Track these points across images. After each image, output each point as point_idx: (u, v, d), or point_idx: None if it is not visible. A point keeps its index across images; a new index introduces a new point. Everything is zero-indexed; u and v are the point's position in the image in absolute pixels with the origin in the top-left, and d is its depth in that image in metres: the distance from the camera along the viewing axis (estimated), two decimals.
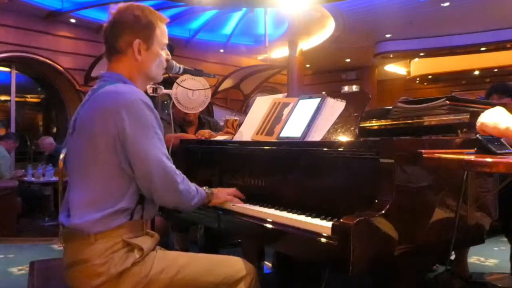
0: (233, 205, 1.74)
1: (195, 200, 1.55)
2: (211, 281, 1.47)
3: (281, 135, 1.86)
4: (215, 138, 2.45)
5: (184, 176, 1.51)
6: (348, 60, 12.25)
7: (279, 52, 10.75)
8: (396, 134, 2.07)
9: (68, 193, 1.47)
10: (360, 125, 1.67)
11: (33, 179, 5.91)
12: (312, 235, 1.34)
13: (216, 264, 1.52)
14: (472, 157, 1.30)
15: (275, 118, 1.98)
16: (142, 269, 1.39)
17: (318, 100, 1.81)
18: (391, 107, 2.14)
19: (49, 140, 6.68)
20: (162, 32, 1.59)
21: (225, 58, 10.90)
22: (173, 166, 1.46)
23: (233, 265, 1.54)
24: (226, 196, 1.76)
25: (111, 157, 1.39)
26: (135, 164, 1.39)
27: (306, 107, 1.85)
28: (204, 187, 1.68)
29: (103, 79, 1.53)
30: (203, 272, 1.48)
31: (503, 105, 2.07)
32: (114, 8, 1.55)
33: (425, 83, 13.08)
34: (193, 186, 1.56)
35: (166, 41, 1.62)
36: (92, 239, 1.36)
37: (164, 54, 1.62)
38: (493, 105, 2.06)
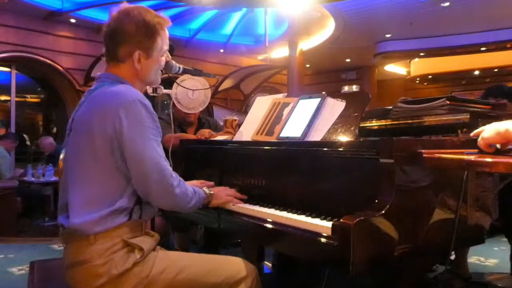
0: (233, 205, 1.73)
1: (192, 203, 1.53)
2: (212, 282, 1.47)
3: (281, 135, 1.86)
4: (215, 138, 2.45)
5: (181, 179, 1.49)
6: (348, 60, 12.24)
7: (279, 52, 10.76)
8: (396, 134, 2.07)
9: (65, 194, 1.46)
10: (360, 125, 1.67)
11: (33, 179, 5.90)
12: (312, 235, 1.34)
13: (217, 265, 1.52)
14: (472, 157, 1.29)
15: (275, 118, 1.97)
16: (142, 269, 1.39)
17: (318, 100, 1.81)
18: (391, 107, 2.14)
19: (49, 140, 6.69)
20: (163, 39, 1.55)
21: (225, 58, 10.90)
22: (170, 169, 1.45)
23: (234, 265, 1.53)
24: (226, 197, 1.73)
25: (108, 157, 1.39)
26: (131, 165, 1.39)
27: (306, 107, 1.85)
28: (204, 188, 1.66)
29: (100, 80, 1.52)
30: (203, 273, 1.47)
31: (503, 104, 2.07)
32: (115, 11, 1.50)
33: (425, 83, 13.08)
34: (190, 188, 1.54)
35: (167, 46, 1.59)
36: (92, 240, 1.36)
37: (164, 58, 1.60)
38: (492, 105, 2.06)
